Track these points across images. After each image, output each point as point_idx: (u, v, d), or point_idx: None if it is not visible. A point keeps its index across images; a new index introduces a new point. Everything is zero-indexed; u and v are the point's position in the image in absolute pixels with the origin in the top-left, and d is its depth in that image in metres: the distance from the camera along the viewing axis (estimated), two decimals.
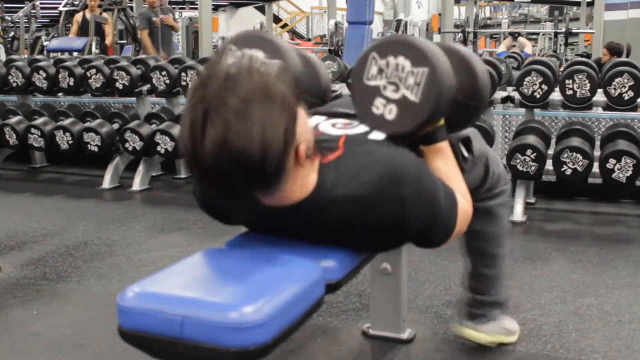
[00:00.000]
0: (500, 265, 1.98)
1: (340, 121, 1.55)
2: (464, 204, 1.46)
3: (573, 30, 10.62)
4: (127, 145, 4.40)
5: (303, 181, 1.30)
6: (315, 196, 1.32)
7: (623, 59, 5.26)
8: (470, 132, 1.76)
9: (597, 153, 3.67)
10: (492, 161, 1.87)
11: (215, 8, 16.91)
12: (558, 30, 10.69)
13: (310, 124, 1.48)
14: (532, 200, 4.03)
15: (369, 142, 1.45)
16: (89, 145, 4.49)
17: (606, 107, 3.82)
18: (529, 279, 2.75)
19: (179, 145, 1.17)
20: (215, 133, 1.14)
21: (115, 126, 4.63)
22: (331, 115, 1.60)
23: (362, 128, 1.50)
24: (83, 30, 8.28)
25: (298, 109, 1.24)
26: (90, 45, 8.06)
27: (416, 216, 1.33)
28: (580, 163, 3.51)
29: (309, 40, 17.96)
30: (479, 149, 1.77)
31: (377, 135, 1.47)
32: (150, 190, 4.53)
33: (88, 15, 8.27)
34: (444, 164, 1.52)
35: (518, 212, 3.66)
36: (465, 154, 1.69)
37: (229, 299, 1.16)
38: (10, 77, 4.97)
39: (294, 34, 19.17)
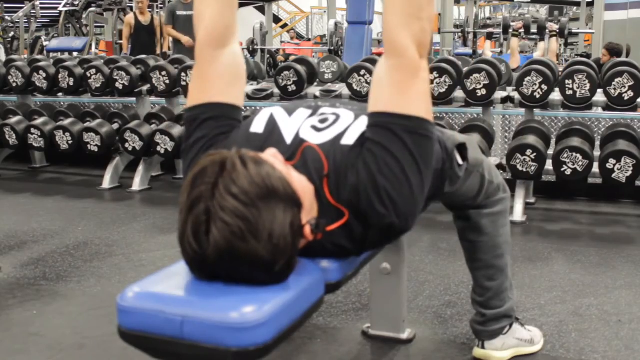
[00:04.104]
0: (501, 277, 1.93)
1: (324, 115, 1.45)
2: (396, 90, 1.31)
3: (573, 31, 10.61)
4: (127, 145, 4.40)
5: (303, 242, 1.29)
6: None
7: (623, 59, 5.26)
8: (466, 140, 1.75)
9: (597, 153, 3.67)
10: (488, 171, 1.85)
11: None
12: None
13: (295, 121, 1.44)
14: (532, 200, 4.03)
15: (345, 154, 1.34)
16: (89, 145, 4.50)
17: (606, 107, 3.83)
18: (529, 279, 2.75)
19: (180, 242, 1.16)
20: (221, 239, 1.12)
21: (115, 126, 4.63)
22: (316, 109, 1.49)
23: (338, 127, 1.40)
24: (138, 35, 7.62)
25: (296, 188, 1.21)
26: (90, 45, 7.99)
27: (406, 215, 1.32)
28: (580, 163, 3.51)
29: (309, 40, 17.96)
30: (474, 157, 1.75)
31: (349, 139, 1.37)
32: (150, 190, 4.53)
33: (141, 18, 7.65)
34: None
35: (518, 212, 3.66)
36: (460, 161, 1.68)
37: (229, 299, 1.16)
38: (10, 77, 4.97)
39: (290, 34, 19.14)
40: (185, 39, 6.77)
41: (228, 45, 1.48)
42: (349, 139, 1.36)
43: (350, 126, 1.39)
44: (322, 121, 1.42)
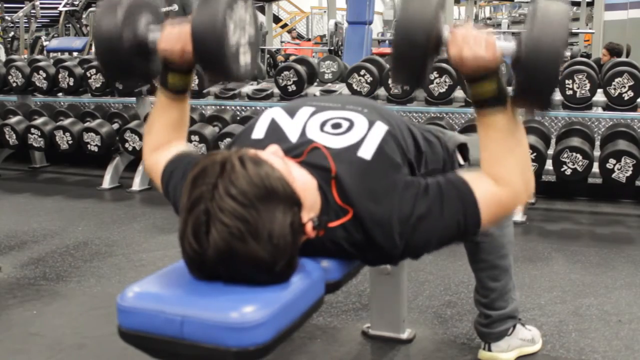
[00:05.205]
0: (504, 277, 1.93)
1: (330, 118, 1.45)
2: (490, 191, 1.32)
3: (573, 30, 10.60)
4: (127, 145, 4.40)
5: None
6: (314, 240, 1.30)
7: (623, 59, 5.26)
8: (467, 140, 1.74)
9: (597, 153, 3.67)
10: None
11: None
12: None
13: (298, 120, 1.44)
14: (532, 200, 4.03)
15: (359, 167, 1.34)
16: (89, 145, 4.50)
17: (606, 107, 3.83)
18: (529, 279, 2.75)
19: (180, 242, 1.16)
20: (221, 240, 1.12)
21: (115, 126, 4.64)
22: (321, 108, 1.48)
23: (353, 135, 1.39)
24: None
25: (297, 187, 1.20)
26: (90, 45, 7.97)
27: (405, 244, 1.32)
28: (580, 163, 3.51)
29: (309, 40, 17.94)
30: (475, 157, 1.73)
31: (365, 152, 1.36)
32: (150, 190, 4.53)
33: None
34: (488, 142, 1.35)
35: (518, 212, 3.65)
36: (461, 161, 1.68)
37: (229, 299, 1.15)
38: (10, 77, 4.97)
39: (292, 33, 19.12)
40: None
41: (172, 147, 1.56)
42: (365, 152, 1.35)
43: (366, 137, 1.38)
44: (335, 126, 1.41)
